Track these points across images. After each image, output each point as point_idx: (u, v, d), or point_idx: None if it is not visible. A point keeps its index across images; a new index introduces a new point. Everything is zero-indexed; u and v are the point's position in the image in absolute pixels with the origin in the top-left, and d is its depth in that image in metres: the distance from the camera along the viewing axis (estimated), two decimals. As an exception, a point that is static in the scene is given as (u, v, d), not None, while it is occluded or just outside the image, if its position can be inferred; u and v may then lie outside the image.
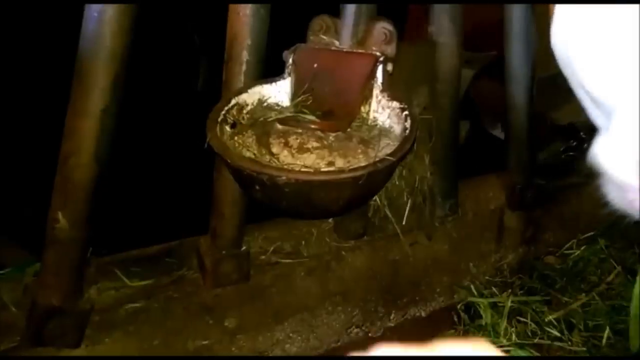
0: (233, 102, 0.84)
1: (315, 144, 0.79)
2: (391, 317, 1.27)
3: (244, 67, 0.88)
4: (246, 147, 0.81)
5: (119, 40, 0.77)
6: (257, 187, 0.72)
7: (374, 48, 0.87)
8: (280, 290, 1.10)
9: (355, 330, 1.22)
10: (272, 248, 1.09)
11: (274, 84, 0.88)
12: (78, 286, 0.90)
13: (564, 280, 1.45)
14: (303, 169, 0.75)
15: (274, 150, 0.80)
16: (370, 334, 1.24)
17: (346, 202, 0.76)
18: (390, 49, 0.88)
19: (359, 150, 0.79)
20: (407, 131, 0.80)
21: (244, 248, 1.01)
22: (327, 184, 0.71)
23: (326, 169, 0.75)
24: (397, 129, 0.84)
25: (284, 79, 0.89)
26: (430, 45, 1.11)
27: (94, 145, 0.79)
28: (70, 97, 0.79)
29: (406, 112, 0.84)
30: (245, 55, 0.87)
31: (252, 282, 1.05)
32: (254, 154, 0.79)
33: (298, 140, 0.80)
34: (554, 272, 1.47)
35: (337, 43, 0.89)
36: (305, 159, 0.77)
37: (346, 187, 0.72)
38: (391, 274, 1.23)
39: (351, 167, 0.73)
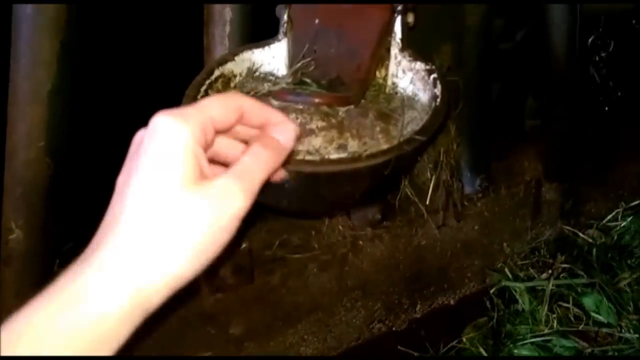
0: (216, 73, 0.67)
1: (320, 124, 0.62)
2: (417, 309, 1.14)
3: (227, 29, 0.70)
4: (235, 130, 0.64)
5: None
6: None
7: (389, -5, 0.69)
8: (290, 290, 0.96)
9: (378, 325, 1.10)
10: (277, 242, 0.95)
11: (266, 47, 0.71)
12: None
13: (608, 256, 1.30)
14: (307, 158, 0.58)
15: (270, 132, 0.63)
16: (394, 328, 1.11)
17: (364, 195, 0.59)
18: (411, -5, 0.69)
19: (378, 128, 0.62)
20: (438, 100, 0.62)
21: (244, 246, 0.86)
22: (338, 175, 0.54)
23: (337, 157, 0.58)
24: (424, 97, 0.67)
25: (278, 40, 0.71)
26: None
27: (44, 137, 0.63)
28: (9, 78, 0.62)
29: (434, 75, 0.66)
30: (228, 14, 0.69)
31: (257, 282, 0.91)
32: (245, 139, 0.62)
33: (299, 120, 0.63)
34: (595, 248, 1.31)
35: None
36: (309, 143, 0.60)
37: (364, 177, 0.56)
38: (416, 262, 1.09)
39: (369, 153, 0.56)
